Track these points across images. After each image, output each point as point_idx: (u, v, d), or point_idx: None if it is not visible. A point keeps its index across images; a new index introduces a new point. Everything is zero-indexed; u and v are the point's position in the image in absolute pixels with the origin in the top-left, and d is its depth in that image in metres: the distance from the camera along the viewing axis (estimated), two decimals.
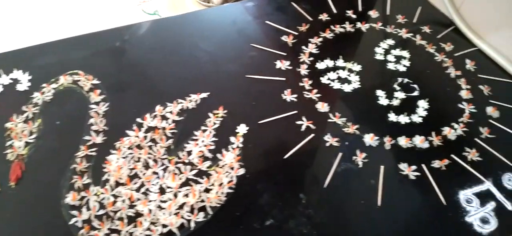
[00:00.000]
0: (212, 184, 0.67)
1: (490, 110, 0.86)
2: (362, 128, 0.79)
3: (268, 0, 1.10)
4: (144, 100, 0.78)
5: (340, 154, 0.74)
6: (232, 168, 0.69)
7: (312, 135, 0.76)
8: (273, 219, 0.64)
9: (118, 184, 0.66)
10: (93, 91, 0.79)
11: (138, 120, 0.75)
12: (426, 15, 1.13)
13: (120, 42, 0.90)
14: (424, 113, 0.84)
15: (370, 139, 0.77)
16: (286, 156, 0.72)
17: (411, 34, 1.05)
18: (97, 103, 0.77)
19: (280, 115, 0.79)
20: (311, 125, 0.78)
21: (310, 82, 0.86)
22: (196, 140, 0.73)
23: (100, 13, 2.41)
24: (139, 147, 0.71)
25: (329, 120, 0.80)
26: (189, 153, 0.71)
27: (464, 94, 0.89)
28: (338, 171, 0.71)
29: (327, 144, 0.75)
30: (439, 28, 1.08)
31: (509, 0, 0.95)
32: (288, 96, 0.82)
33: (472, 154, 0.77)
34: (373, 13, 1.10)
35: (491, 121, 0.85)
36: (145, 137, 0.73)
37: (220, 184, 0.67)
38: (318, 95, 0.84)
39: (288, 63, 0.90)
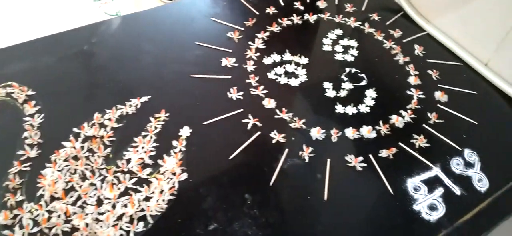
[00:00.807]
0: (153, 192, 0.65)
1: (438, 94, 0.86)
2: (309, 122, 0.77)
3: None
4: (82, 108, 0.75)
5: (286, 150, 0.72)
6: (174, 174, 0.67)
7: (259, 132, 0.75)
8: (217, 222, 0.62)
9: (53, 199, 0.63)
10: (28, 102, 0.75)
11: (75, 130, 0.71)
12: (375, 3, 1.12)
13: (53, 49, 0.86)
14: (372, 103, 0.83)
15: (316, 132, 0.75)
16: (231, 157, 0.70)
17: (360, 23, 1.04)
18: (31, 115, 0.73)
19: (226, 115, 0.77)
20: (258, 123, 0.76)
21: (257, 78, 0.84)
22: (136, 147, 0.70)
23: (60, 16, 2.35)
24: (75, 158, 0.68)
25: (276, 116, 0.78)
26: (128, 161, 0.68)
27: (413, 80, 0.89)
28: (284, 168, 0.70)
29: (274, 141, 0.74)
30: (388, 15, 1.08)
31: None
32: (234, 94, 0.80)
33: (420, 141, 0.76)
34: (321, 4, 1.09)
35: (439, 105, 0.84)
36: (82, 147, 0.69)
37: (161, 191, 0.65)
38: (265, 91, 0.82)
39: (234, 60, 0.87)
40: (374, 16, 1.06)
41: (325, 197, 0.66)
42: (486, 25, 0.91)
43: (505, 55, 0.89)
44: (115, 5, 2.62)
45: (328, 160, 0.71)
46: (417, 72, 0.91)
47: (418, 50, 0.97)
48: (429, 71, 0.92)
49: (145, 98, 0.78)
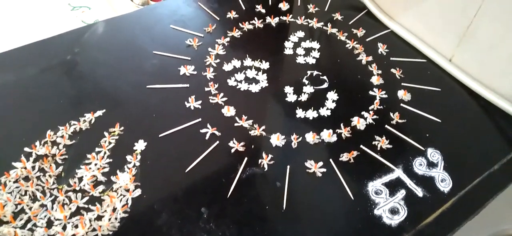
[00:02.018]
0: (105, 211, 0.62)
1: (401, 93, 0.85)
2: (269, 128, 0.76)
3: (172, 2, 1.05)
4: (34, 127, 0.73)
5: (245, 159, 0.70)
6: (127, 190, 0.65)
7: (217, 142, 0.73)
8: None
9: (1, 222, 0.61)
10: None
11: (26, 149, 0.69)
12: (338, 2, 1.11)
13: (3, 63, 0.84)
14: (333, 105, 0.81)
15: (276, 139, 0.74)
16: (187, 169, 0.68)
17: (322, 24, 1.02)
18: None
19: (183, 125, 0.75)
20: (216, 132, 0.74)
21: (216, 86, 0.83)
22: (89, 164, 0.68)
23: (37, 25, 2.31)
24: (26, 179, 0.66)
25: (236, 124, 0.76)
26: (80, 179, 0.66)
27: (375, 80, 0.88)
28: (242, 178, 0.68)
29: (232, 150, 0.72)
30: (352, 14, 1.07)
31: None
32: (192, 103, 0.78)
33: (382, 142, 0.75)
34: (283, 6, 1.07)
35: (402, 105, 0.83)
36: (33, 168, 0.67)
37: (114, 210, 0.63)
38: (224, 99, 0.80)
39: (192, 68, 0.86)
40: (337, 16, 1.05)
41: (284, 206, 0.65)
42: (447, 20, 0.90)
43: (467, 50, 0.88)
44: (93, 14, 2.59)
45: (288, 167, 0.70)
46: (380, 72, 0.90)
47: (382, 48, 0.96)
48: (393, 70, 0.91)
49: (99, 113, 0.75)
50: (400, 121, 0.80)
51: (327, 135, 0.75)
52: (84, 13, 2.60)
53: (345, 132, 0.76)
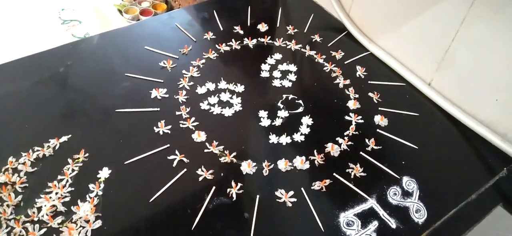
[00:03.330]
0: None
1: (378, 118, 0.83)
2: (240, 155, 0.73)
3: (149, 23, 1.03)
4: None
5: (213, 188, 0.68)
6: (87, 221, 0.62)
7: (184, 170, 0.70)
8: None
9: None
10: None
11: None
12: (318, 23, 1.10)
13: None
14: (307, 131, 0.79)
15: (247, 166, 0.71)
16: (152, 199, 0.66)
17: (300, 46, 1.00)
18: None
19: (150, 152, 0.72)
20: (184, 159, 0.72)
21: (188, 109, 0.80)
22: (49, 193, 0.65)
23: (25, 39, 2.31)
24: None
25: (206, 151, 0.74)
26: (39, 209, 0.63)
27: (352, 104, 0.86)
28: (209, 208, 0.66)
29: (200, 179, 0.70)
30: (331, 35, 1.05)
31: (392, 2, 0.92)
32: (161, 128, 0.76)
33: (356, 170, 0.73)
34: (262, 27, 1.05)
35: (378, 130, 0.81)
36: None
37: None
38: (196, 123, 0.78)
39: (165, 90, 0.83)
40: (317, 38, 1.04)
41: None
42: (426, 44, 0.89)
43: (446, 74, 0.87)
44: (83, 28, 2.58)
45: (258, 196, 0.68)
46: (357, 96, 0.88)
47: (360, 71, 0.94)
48: (370, 94, 0.89)
49: (64, 138, 0.73)
50: (375, 147, 0.77)
51: (300, 162, 0.73)
52: (74, 27, 2.59)
53: (318, 159, 0.74)
